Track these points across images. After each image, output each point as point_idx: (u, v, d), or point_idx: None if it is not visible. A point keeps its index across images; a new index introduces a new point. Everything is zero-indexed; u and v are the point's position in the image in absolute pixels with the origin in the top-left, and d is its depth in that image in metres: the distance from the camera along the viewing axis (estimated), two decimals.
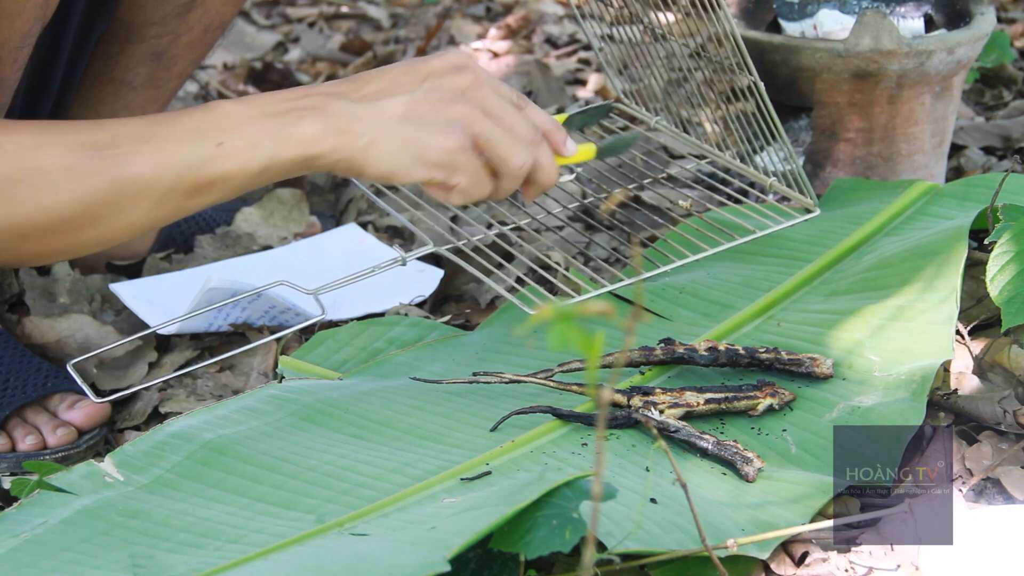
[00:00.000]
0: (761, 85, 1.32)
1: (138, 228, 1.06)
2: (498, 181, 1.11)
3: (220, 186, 1.05)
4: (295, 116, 1.05)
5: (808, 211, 1.37)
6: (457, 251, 1.36)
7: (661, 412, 1.14)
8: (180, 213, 1.07)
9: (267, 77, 2.25)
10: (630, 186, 1.51)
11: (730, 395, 1.16)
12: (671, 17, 1.40)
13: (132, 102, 1.48)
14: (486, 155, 1.09)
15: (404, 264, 1.29)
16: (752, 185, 1.56)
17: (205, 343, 1.42)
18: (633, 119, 1.59)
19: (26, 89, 1.38)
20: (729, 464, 1.10)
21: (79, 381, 1.22)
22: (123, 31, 1.44)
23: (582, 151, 1.19)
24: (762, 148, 1.39)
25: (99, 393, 1.35)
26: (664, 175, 1.51)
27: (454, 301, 1.50)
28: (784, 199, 1.55)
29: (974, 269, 1.31)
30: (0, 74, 1.21)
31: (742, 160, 1.44)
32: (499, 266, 1.45)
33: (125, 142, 1.03)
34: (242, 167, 1.04)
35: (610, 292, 1.32)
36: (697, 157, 1.52)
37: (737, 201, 1.45)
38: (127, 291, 1.45)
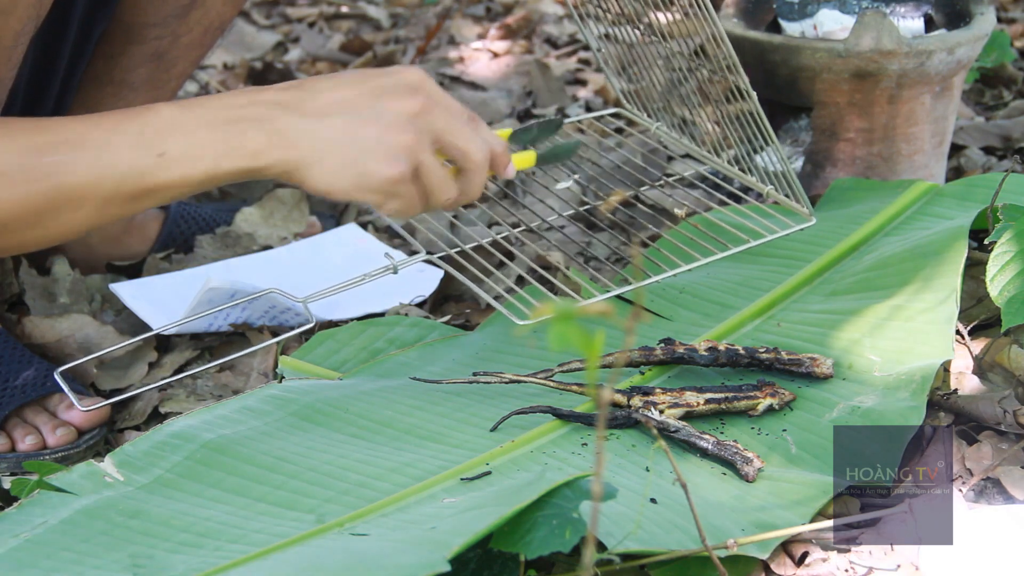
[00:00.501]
0: (754, 95, 1.32)
1: (81, 229, 1.07)
2: (461, 181, 1.13)
3: (162, 193, 1.06)
4: (240, 128, 1.06)
5: (804, 220, 1.37)
6: (450, 259, 1.35)
7: (661, 412, 1.14)
8: (124, 215, 1.08)
9: (267, 77, 2.25)
10: (629, 191, 1.51)
11: (730, 395, 1.16)
12: (668, 18, 1.40)
13: (132, 102, 1.48)
14: (427, 182, 1.10)
15: (396, 272, 1.29)
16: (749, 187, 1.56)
17: (205, 343, 1.42)
18: (632, 123, 1.59)
19: (26, 90, 1.38)
20: (729, 464, 1.10)
21: (66, 390, 1.22)
22: (123, 32, 1.44)
23: (522, 159, 1.22)
24: (761, 149, 1.39)
25: (99, 393, 1.35)
26: (661, 181, 1.51)
27: (454, 301, 1.50)
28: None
29: (974, 269, 1.31)
30: None
31: (739, 163, 1.44)
32: (499, 266, 1.45)
33: (66, 147, 1.04)
34: (183, 177, 1.05)
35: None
36: (695, 161, 1.52)
37: (737, 201, 1.45)
38: (127, 291, 1.45)
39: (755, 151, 1.42)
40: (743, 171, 1.43)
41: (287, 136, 1.06)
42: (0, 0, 1.13)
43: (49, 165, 1.03)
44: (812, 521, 1.03)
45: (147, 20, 1.42)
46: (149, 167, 1.04)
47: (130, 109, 1.08)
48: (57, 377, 1.21)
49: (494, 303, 1.27)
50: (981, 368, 1.23)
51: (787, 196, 1.39)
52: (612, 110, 1.63)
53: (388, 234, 1.66)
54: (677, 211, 1.46)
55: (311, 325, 1.25)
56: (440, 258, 1.34)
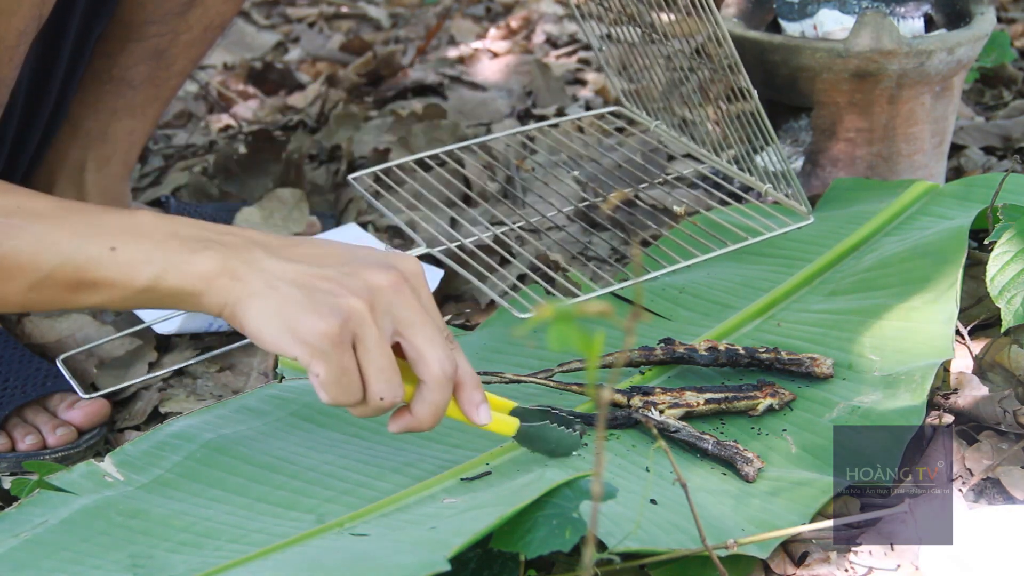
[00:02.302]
0: (754, 92, 1.32)
1: (10, 304, 1.02)
2: (415, 396, 1.00)
3: (101, 291, 1.00)
4: (199, 246, 0.99)
5: (801, 219, 1.37)
6: (451, 253, 1.35)
7: (661, 412, 1.14)
8: (58, 305, 1.02)
9: (267, 77, 2.25)
10: (629, 189, 1.52)
11: (730, 395, 1.16)
12: (670, 17, 1.40)
13: (132, 101, 1.48)
14: (364, 362, 0.98)
15: None
16: (749, 187, 1.56)
17: (205, 343, 1.42)
18: (632, 122, 1.59)
19: (27, 89, 1.38)
20: (729, 464, 1.10)
21: (68, 377, 1.21)
22: (123, 29, 1.44)
23: (499, 425, 1.06)
24: (762, 148, 1.39)
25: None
26: (661, 179, 1.51)
27: (454, 301, 1.50)
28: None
29: (974, 269, 1.31)
30: None
31: (739, 162, 1.44)
32: (502, 263, 1.45)
33: (21, 214, 1.00)
34: (125, 278, 0.99)
35: (609, 292, 1.32)
36: (695, 159, 1.52)
37: (737, 200, 1.45)
38: None
39: (755, 151, 1.43)
40: (743, 170, 1.43)
41: (240, 270, 0.98)
42: (4, 1, 1.13)
43: None
44: (812, 521, 1.03)
45: (147, 18, 1.42)
46: (94, 257, 0.98)
47: (110, 208, 1.04)
48: (60, 365, 1.21)
49: (497, 298, 1.27)
50: (981, 368, 1.23)
51: (787, 196, 1.39)
52: (611, 108, 1.63)
53: (389, 234, 1.66)
54: (676, 208, 1.46)
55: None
56: (441, 252, 1.34)
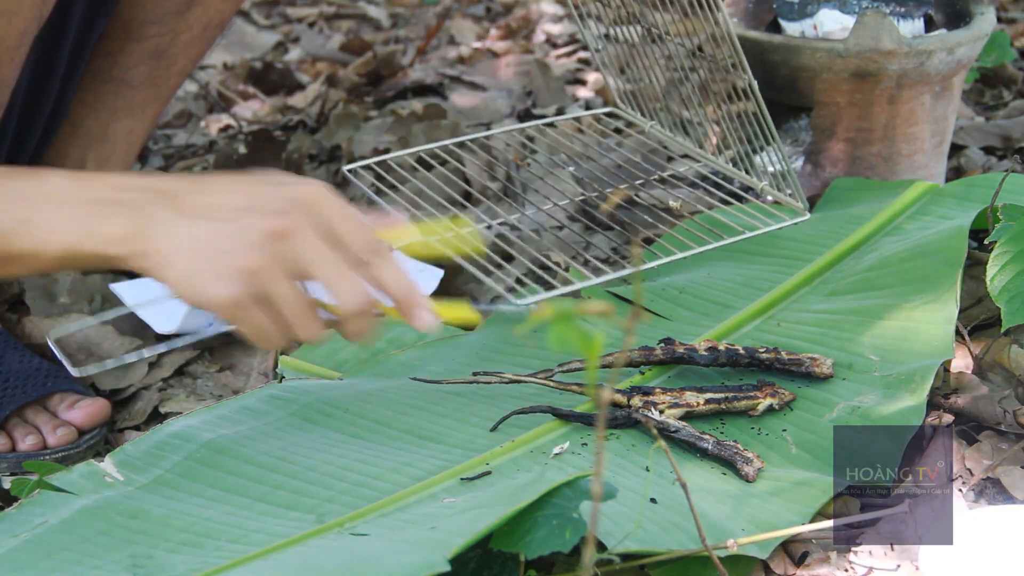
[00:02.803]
0: (755, 83, 1.32)
1: None
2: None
3: (22, 261, 1.01)
4: (108, 212, 1.00)
5: (798, 214, 1.37)
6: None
7: (661, 412, 1.14)
8: None
9: (267, 77, 2.25)
10: (627, 186, 1.52)
11: (730, 395, 1.16)
12: (671, 16, 1.40)
13: (132, 100, 1.48)
14: (282, 313, 1.01)
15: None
16: (748, 187, 1.56)
17: (205, 343, 1.42)
18: (629, 123, 1.59)
19: (26, 89, 1.38)
20: (729, 464, 1.10)
21: (59, 354, 1.20)
22: (122, 29, 1.44)
23: (453, 310, 1.11)
24: (761, 148, 1.39)
25: (99, 393, 1.35)
26: (657, 176, 1.51)
27: None
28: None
29: (974, 269, 1.31)
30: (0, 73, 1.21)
31: (739, 162, 1.44)
32: (499, 266, 1.45)
33: None
34: (40, 249, 1.00)
35: (610, 292, 1.32)
36: (692, 159, 1.53)
37: (737, 199, 1.45)
38: (127, 291, 1.45)
39: (755, 151, 1.43)
40: (742, 170, 1.43)
41: (146, 231, 1.00)
42: (5, 1, 1.13)
43: None
44: (812, 521, 1.03)
45: (146, 17, 1.42)
46: (8, 230, 0.99)
47: (25, 169, 1.04)
48: (51, 342, 1.21)
49: (504, 293, 1.27)
50: (981, 368, 1.23)
51: (782, 191, 1.39)
52: (606, 109, 1.62)
53: None
54: (672, 202, 1.46)
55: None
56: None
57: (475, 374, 1.20)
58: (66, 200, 1.01)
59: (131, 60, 1.46)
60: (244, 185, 1.03)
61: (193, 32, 1.45)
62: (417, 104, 2.02)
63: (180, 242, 1.00)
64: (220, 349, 1.41)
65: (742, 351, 1.21)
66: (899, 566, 1.00)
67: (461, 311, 1.11)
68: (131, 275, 1.54)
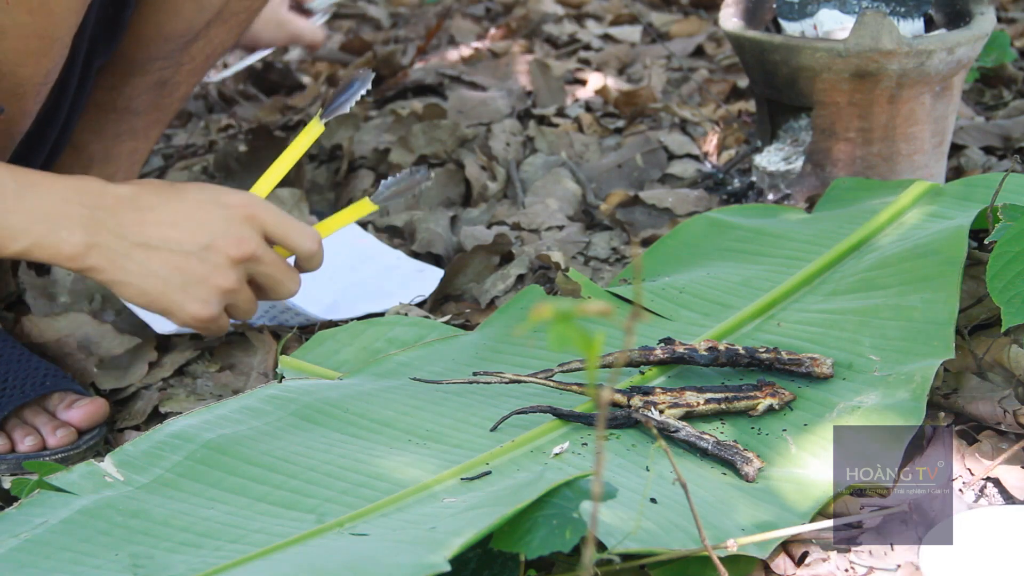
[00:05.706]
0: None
1: None
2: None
3: None
4: (64, 226, 1.13)
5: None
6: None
7: (661, 412, 1.14)
8: None
9: (267, 77, 2.25)
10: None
11: (730, 395, 1.16)
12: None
13: (135, 125, 1.50)
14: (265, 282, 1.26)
15: None
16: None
17: (205, 343, 1.42)
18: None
19: (36, 119, 1.39)
20: (729, 464, 1.10)
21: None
22: (127, 64, 1.45)
23: (343, 216, 1.33)
24: (762, 148, 1.39)
25: (99, 392, 1.35)
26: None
27: (454, 301, 1.50)
28: (783, 199, 1.55)
29: (974, 269, 1.31)
30: (24, 107, 1.26)
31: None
32: (501, 263, 1.45)
33: None
34: None
35: (610, 292, 1.32)
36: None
37: (737, 199, 1.45)
38: None
39: (755, 151, 1.43)
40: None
41: (103, 253, 1.14)
42: (37, 44, 1.19)
43: None
44: (812, 521, 1.03)
45: (151, 55, 1.44)
46: None
47: None
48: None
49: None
50: (981, 368, 1.23)
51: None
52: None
53: (388, 234, 1.66)
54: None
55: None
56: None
57: (475, 374, 1.20)
58: (27, 207, 1.12)
59: (135, 91, 1.47)
60: (187, 210, 1.19)
61: (196, 62, 1.47)
62: (417, 104, 2.02)
63: (143, 268, 1.18)
64: (220, 349, 1.41)
65: (742, 351, 1.21)
66: (899, 566, 1.00)
67: (352, 212, 1.32)
68: None
